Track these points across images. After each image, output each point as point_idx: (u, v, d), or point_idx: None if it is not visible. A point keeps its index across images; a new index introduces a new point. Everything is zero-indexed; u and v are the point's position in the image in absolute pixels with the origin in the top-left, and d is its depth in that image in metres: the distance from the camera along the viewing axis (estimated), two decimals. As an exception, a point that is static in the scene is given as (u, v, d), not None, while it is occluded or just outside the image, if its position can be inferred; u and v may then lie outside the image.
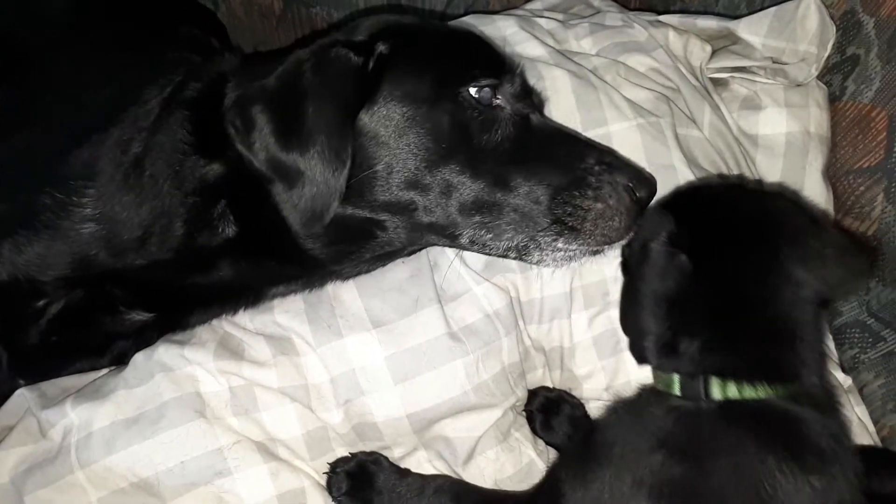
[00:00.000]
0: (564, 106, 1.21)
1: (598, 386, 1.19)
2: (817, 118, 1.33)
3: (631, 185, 1.00)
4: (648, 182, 1.03)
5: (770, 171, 1.34)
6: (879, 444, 1.22)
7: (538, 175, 1.00)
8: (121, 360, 1.15)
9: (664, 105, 1.25)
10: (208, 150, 1.05)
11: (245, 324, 1.15)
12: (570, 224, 0.99)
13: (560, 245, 1.00)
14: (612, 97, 1.22)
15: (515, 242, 1.02)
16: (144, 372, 1.09)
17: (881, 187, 1.25)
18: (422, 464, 1.14)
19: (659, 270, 0.93)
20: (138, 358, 1.11)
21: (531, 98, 1.11)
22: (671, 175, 1.20)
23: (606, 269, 1.18)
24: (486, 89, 1.02)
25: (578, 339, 1.19)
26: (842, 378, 1.29)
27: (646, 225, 1.00)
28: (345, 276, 1.15)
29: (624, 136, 1.20)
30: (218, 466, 1.04)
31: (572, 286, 1.17)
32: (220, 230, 1.06)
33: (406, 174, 1.00)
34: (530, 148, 1.03)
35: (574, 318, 1.18)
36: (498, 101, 1.04)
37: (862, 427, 1.22)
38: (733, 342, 0.91)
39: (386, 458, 1.12)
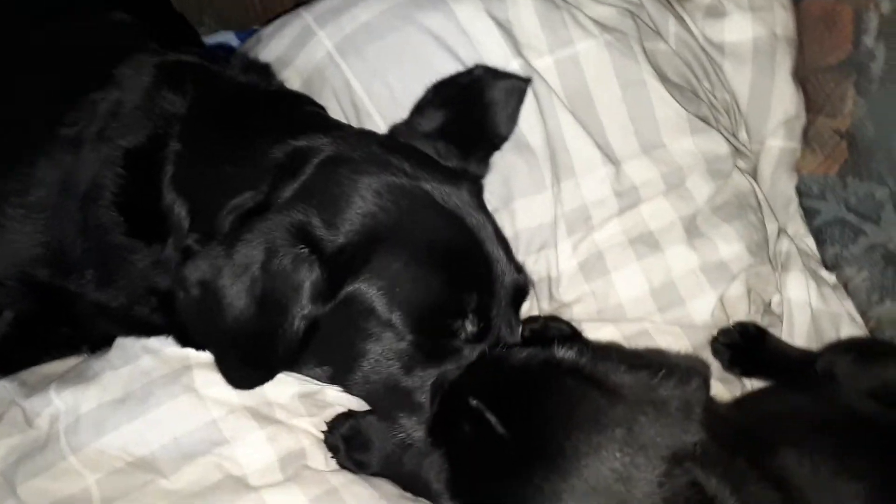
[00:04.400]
0: (528, 28, 1.17)
1: (589, 310, 1.18)
2: (783, 19, 1.32)
3: None
4: None
5: (738, 77, 1.33)
6: (868, 335, 1.25)
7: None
8: (101, 346, 1.11)
9: (629, 20, 1.22)
10: (141, 232, 0.99)
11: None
12: None
13: None
14: (576, 16, 1.19)
15: None
16: (130, 353, 1.06)
17: (851, 81, 1.25)
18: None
19: None
20: (123, 339, 1.08)
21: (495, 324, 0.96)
22: (642, 90, 1.18)
23: (586, 193, 1.17)
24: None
25: (564, 267, 1.18)
26: (826, 275, 1.30)
27: None
28: None
29: (592, 54, 1.17)
30: (214, 437, 1.02)
31: (556, 214, 1.16)
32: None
33: (342, 376, 0.98)
34: None
35: (560, 246, 1.17)
36: (459, 331, 0.93)
37: (850, 320, 1.24)
38: None
39: None
